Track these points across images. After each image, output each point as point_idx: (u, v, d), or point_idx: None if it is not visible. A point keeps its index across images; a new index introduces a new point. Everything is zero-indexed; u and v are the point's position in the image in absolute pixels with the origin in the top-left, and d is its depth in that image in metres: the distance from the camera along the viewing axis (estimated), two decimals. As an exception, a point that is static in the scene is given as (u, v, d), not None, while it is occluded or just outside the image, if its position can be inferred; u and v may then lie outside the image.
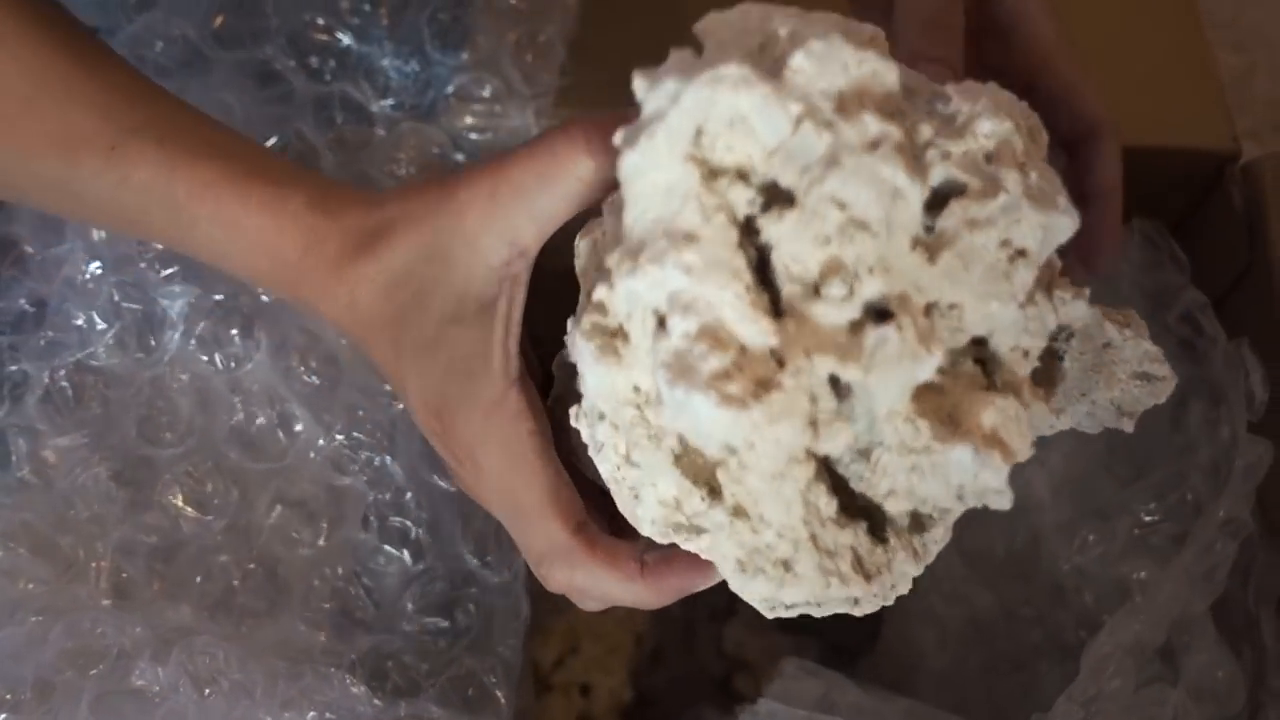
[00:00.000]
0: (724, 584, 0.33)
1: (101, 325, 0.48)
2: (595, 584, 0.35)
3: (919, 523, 0.32)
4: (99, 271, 0.49)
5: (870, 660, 0.63)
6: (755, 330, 0.28)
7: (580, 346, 0.31)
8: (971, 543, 0.56)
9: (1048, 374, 0.33)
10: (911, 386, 0.28)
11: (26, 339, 0.48)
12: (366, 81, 0.53)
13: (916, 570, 0.32)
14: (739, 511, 0.31)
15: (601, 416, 0.32)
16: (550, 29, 0.52)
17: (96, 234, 0.49)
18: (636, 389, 0.31)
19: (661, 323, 0.29)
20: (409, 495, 0.49)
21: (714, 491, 0.31)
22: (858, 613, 0.33)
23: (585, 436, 0.33)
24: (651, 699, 0.68)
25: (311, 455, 0.49)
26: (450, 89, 0.52)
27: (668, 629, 0.70)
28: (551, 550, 0.35)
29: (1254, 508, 0.45)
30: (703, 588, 0.35)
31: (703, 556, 0.32)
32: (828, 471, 0.31)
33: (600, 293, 0.30)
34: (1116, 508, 0.49)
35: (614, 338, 0.31)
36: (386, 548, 0.49)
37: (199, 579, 0.46)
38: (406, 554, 0.49)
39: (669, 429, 0.31)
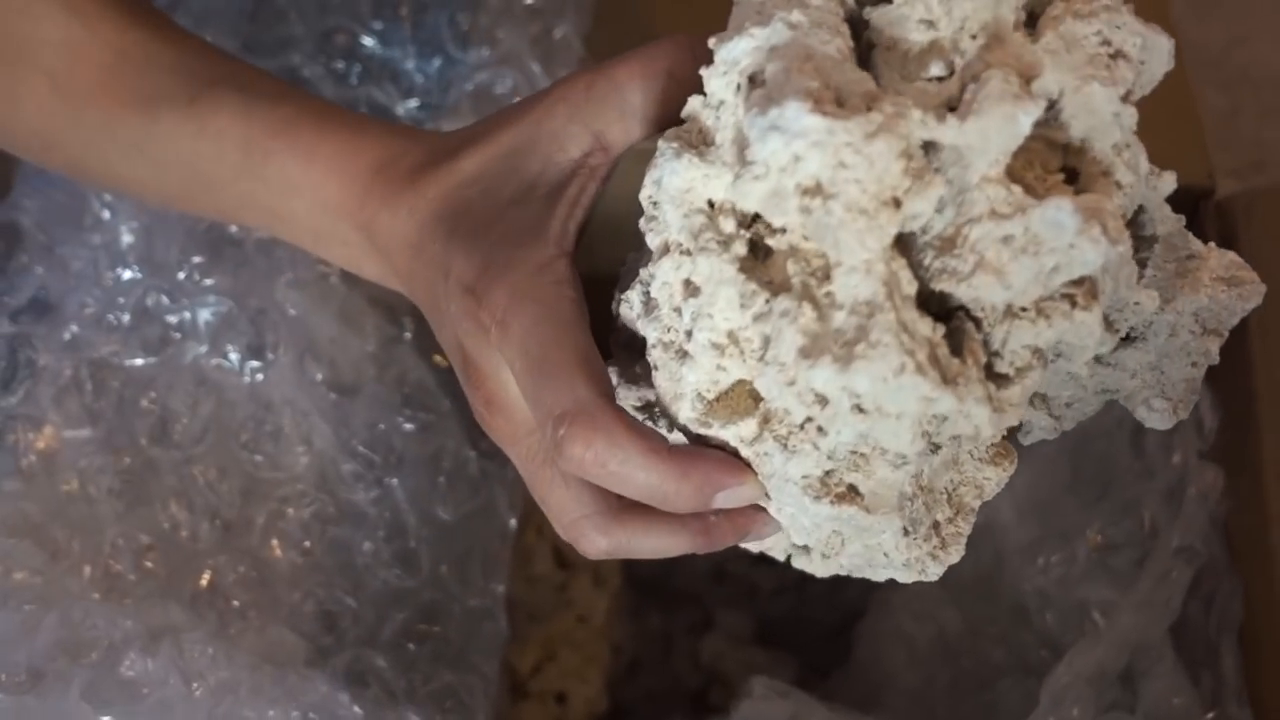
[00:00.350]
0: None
1: (129, 326, 0.49)
2: (616, 454, 0.30)
3: (994, 373, 0.29)
4: (137, 275, 0.50)
5: (843, 678, 0.64)
6: (854, 78, 0.28)
7: (660, 149, 0.31)
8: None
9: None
10: (1009, 148, 0.27)
11: (49, 331, 0.48)
12: (391, 84, 0.54)
13: (988, 423, 0.28)
14: (806, 294, 0.28)
15: (666, 248, 0.31)
16: (566, 25, 0.54)
17: (128, 238, 0.50)
18: (710, 203, 0.30)
19: (754, 81, 0.29)
20: (409, 517, 0.50)
21: (778, 292, 0.29)
22: (900, 565, 0.32)
23: (636, 310, 0.32)
24: (627, 709, 0.68)
25: (319, 468, 0.49)
26: (470, 86, 0.53)
27: (645, 640, 0.71)
28: (575, 407, 0.31)
29: (1219, 535, 0.45)
30: (734, 495, 0.32)
31: (742, 452, 0.31)
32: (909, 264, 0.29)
33: (689, 105, 0.31)
34: (1077, 532, 0.50)
35: (695, 146, 0.30)
36: (379, 564, 0.50)
37: (190, 579, 0.47)
38: (397, 571, 0.50)
39: (740, 209, 0.29)
